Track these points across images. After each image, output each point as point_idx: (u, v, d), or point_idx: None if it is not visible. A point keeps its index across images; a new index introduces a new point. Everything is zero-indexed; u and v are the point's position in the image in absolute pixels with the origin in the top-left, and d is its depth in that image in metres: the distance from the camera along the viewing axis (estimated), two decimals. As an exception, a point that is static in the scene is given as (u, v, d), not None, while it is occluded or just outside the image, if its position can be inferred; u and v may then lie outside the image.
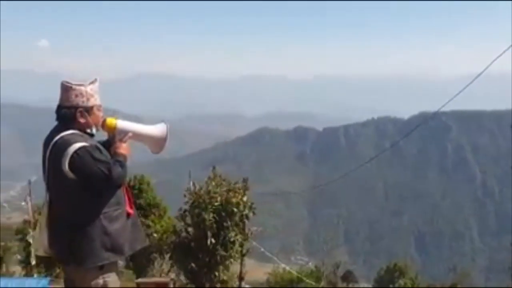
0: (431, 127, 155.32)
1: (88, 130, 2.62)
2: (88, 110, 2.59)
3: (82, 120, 2.56)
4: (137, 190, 27.40)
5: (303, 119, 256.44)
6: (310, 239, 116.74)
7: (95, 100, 2.61)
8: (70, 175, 2.41)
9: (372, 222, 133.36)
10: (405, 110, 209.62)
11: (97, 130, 2.69)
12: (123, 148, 2.64)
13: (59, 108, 2.58)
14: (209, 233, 8.21)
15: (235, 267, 11.03)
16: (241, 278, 12.39)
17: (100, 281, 2.54)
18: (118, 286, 2.65)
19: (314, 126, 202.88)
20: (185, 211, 9.13)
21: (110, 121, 2.68)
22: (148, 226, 25.16)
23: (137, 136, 2.75)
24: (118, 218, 2.58)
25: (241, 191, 9.36)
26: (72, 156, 2.40)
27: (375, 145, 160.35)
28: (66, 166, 2.39)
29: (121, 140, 2.67)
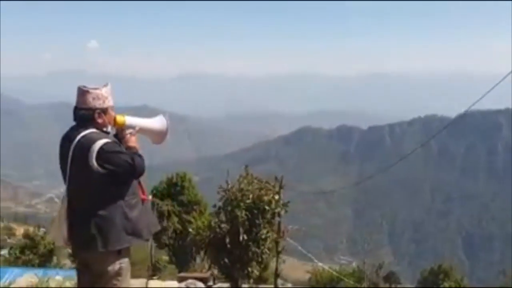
0: (480, 126, 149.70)
1: (105, 129, 2.89)
2: (104, 111, 2.86)
3: (100, 120, 2.83)
4: (179, 187, 28.19)
5: (347, 117, 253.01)
6: (354, 239, 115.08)
7: (109, 102, 2.89)
8: (97, 168, 2.66)
9: (418, 223, 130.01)
10: (453, 108, 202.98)
11: (111, 128, 2.96)
12: (133, 141, 2.93)
13: (77, 109, 2.84)
14: (241, 230, 8.41)
15: (274, 265, 11.20)
16: (277, 276, 12.57)
17: (117, 266, 2.79)
18: (129, 271, 2.89)
19: (358, 125, 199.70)
20: (219, 208, 9.38)
21: (120, 118, 2.95)
22: (189, 222, 25.84)
23: (142, 130, 3.04)
24: (136, 205, 2.86)
25: (275, 189, 9.50)
26: (98, 151, 2.65)
27: (422, 143, 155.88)
28: (93, 161, 2.64)
29: (130, 134, 2.95)
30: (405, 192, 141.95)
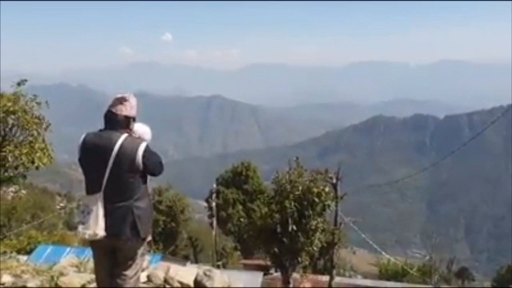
0: None
1: (132, 134, 3.21)
2: (134, 119, 3.22)
3: (131, 127, 3.19)
4: (243, 176, 28.80)
5: (423, 106, 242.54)
6: (428, 232, 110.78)
7: (135, 111, 3.23)
8: (141, 166, 3.03)
9: (498, 219, 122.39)
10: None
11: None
12: None
13: (113, 114, 3.13)
14: (290, 220, 8.56)
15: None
16: (332, 267, 12.58)
17: (143, 249, 3.20)
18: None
19: (434, 114, 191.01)
20: (271, 198, 9.57)
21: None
22: (254, 211, 26.38)
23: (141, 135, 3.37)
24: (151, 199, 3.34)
25: (332, 180, 9.49)
26: (144, 151, 3.03)
27: (504, 134, 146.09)
28: (140, 159, 3.01)
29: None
30: (485, 186, 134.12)
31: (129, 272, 3.13)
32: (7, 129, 7.98)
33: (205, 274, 4.25)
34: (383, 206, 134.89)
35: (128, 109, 3.15)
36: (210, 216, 24.80)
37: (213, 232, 23.57)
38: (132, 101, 3.18)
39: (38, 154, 7.87)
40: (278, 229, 8.88)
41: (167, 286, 4.17)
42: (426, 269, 24.04)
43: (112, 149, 3.00)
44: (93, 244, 3.15)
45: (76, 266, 4.26)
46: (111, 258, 3.16)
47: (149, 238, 3.26)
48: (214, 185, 25.83)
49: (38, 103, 8.15)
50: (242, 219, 10.00)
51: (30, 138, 7.98)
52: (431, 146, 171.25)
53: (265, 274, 16.15)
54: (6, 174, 8.13)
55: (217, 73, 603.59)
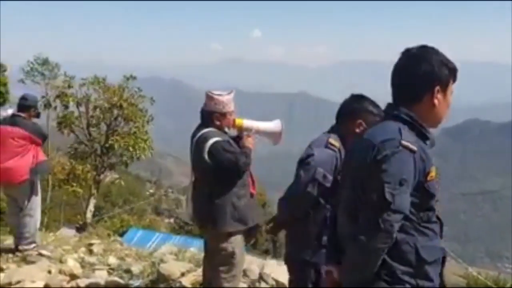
0: None
1: (225, 129, 3.36)
2: (223, 115, 3.31)
3: (217, 122, 3.29)
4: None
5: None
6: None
7: (229, 108, 3.32)
8: (208, 161, 3.12)
9: None
10: None
11: (229, 129, 3.43)
12: (249, 142, 3.35)
13: (201, 111, 3.35)
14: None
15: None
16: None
17: (229, 246, 3.23)
18: (242, 245, 3.35)
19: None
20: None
21: (239, 121, 3.39)
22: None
23: (259, 132, 3.45)
24: (244, 196, 3.30)
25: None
26: (209, 148, 3.12)
27: None
28: (206, 155, 3.12)
29: (247, 136, 3.39)
30: None
31: (219, 268, 3.25)
32: (112, 119, 8.63)
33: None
34: (474, 216, 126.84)
35: (211, 104, 3.26)
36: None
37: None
38: (219, 97, 3.27)
39: (141, 145, 8.42)
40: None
41: (262, 282, 4.22)
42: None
43: (192, 143, 3.26)
44: (202, 232, 3.41)
45: (175, 254, 4.51)
46: (207, 250, 3.41)
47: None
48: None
49: (143, 97, 8.70)
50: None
51: (134, 129, 8.55)
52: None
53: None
54: (109, 161, 8.81)
55: (303, 69, 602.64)
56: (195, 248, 5.18)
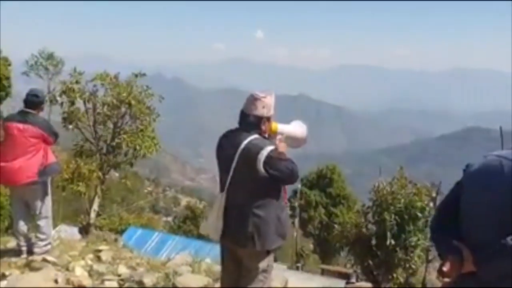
0: None
1: (265, 135, 3.01)
2: (269, 119, 3.00)
3: (263, 127, 2.96)
4: (328, 179, 28.29)
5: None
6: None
7: (272, 110, 3.01)
8: (263, 172, 2.77)
9: None
10: None
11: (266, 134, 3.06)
12: (282, 147, 2.97)
13: (245, 115, 2.98)
14: (388, 234, 8.14)
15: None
16: (424, 285, 11.93)
17: (265, 264, 2.96)
18: (273, 268, 3.07)
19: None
20: (368, 207, 9.18)
21: (274, 125, 3.09)
22: (336, 215, 25.83)
23: (288, 136, 3.14)
24: (284, 207, 3.01)
25: (431, 194, 9.00)
26: (266, 157, 2.77)
27: None
28: (261, 165, 2.77)
29: (280, 141, 3.02)
30: None
31: (251, 285, 2.94)
32: (119, 117, 8.40)
33: None
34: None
35: (259, 108, 2.94)
36: (292, 216, 24.71)
37: (294, 233, 23.44)
38: (266, 99, 2.96)
39: (147, 144, 8.19)
40: (373, 241, 8.47)
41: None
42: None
43: (236, 151, 2.86)
44: (221, 242, 3.06)
45: (190, 266, 4.22)
46: (238, 266, 3.03)
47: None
48: (299, 186, 25.59)
49: (151, 94, 8.48)
50: (336, 226, 9.66)
51: (141, 127, 8.32)
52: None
53: (346, 283, 15.75)
54: (115, 160, 8.58)
55: (305, 72, 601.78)
56: (209, 258, 4.90)
